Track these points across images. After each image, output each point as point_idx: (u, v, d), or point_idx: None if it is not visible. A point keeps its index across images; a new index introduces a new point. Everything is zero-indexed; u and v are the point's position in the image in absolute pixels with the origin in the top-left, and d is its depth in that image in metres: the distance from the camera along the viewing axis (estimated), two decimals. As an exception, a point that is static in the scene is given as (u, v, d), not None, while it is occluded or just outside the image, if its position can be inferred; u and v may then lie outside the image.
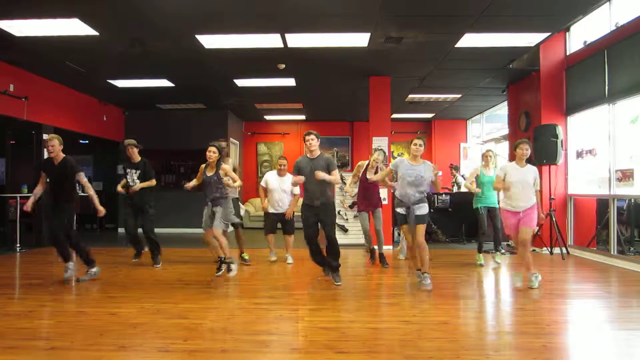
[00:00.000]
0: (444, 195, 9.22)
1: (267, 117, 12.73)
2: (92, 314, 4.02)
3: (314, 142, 5.07)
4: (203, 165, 5.63)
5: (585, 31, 7.04)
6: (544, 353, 3.09)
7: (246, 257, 6.57)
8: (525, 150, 5.03)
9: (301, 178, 5.07)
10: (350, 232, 8.49)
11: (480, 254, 6.46)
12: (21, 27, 5.83)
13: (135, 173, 6.24)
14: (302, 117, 12.67)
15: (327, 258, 5.18)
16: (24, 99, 7.61)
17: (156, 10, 5.44)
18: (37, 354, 3.08)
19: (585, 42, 7.02)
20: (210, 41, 6.42)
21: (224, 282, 5.52)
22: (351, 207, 7.96)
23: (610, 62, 6.42)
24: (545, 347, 3.22)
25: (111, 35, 6.21)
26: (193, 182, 5.63)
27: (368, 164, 6.40)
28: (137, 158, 6.34)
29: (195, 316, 4.04)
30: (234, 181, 5.60)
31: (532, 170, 5.04)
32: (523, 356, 3.07)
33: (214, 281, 5.38)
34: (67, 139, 9.86)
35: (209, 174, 5.53)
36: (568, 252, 7.23)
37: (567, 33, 7.49)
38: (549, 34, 6.54)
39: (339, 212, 8.63)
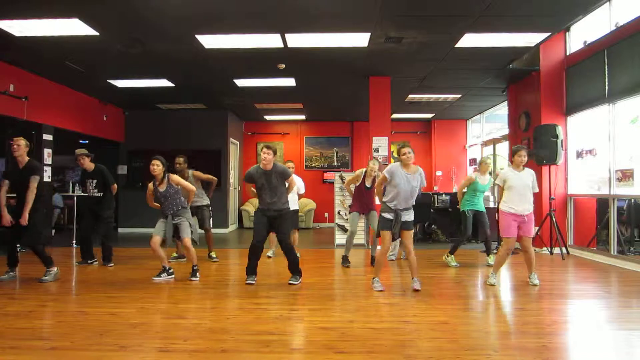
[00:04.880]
0: (444, 195, 9.21)
1: (267, 117, 12.72)
2: (92, 314, 4.02)
3: (268, 156, 5.13)
4: (150, 184, 5.51)
5: (585, 31, 7.04)
6: (544, 353, 3.09)
7: (214, 256, 6.91)
8: (524, 157, 5.18)
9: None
10: (350, 232, 8.47)
11: (452, 256, 6.45)
12: (21, 27, 5.82)
13: (92, 183, 6.33)
14: (302, 117, 12.66)
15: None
16: (24, 99, 7.60)
17: (156, 11, 5.43)
18: (37, 354, 3.08)
19: (585, 42, 7.02)
20: (210, 41, 6.42)
21: (224, 283, 5.53)
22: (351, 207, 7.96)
23: (610, 62, 6.42)
24: (545, 347, 3.22)
25: (111, 35, 6.21)
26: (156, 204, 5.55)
27: (366, 172, 6.43)
28: (91, 167, 6.38)
29: (195, 316, 4.05)
30: (188, 189, 5.59)
31: (530, 174, 5.20)
32: (523, 356, 3.06)
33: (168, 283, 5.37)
34: (67, 139, 10.00)
35: (162, 189, 5.43)
36: (568, 252, 7.23)
37: (567, 33, 7.50)
38: (549, 34, 6.54)
39: (339, 212, 8.64)
